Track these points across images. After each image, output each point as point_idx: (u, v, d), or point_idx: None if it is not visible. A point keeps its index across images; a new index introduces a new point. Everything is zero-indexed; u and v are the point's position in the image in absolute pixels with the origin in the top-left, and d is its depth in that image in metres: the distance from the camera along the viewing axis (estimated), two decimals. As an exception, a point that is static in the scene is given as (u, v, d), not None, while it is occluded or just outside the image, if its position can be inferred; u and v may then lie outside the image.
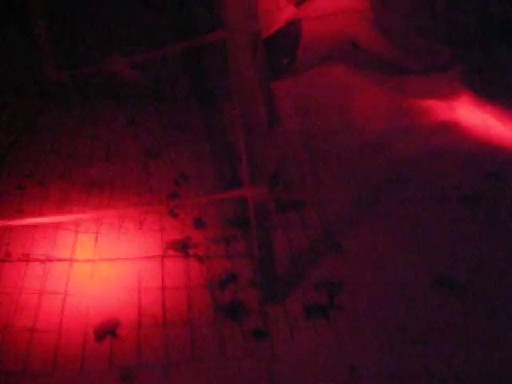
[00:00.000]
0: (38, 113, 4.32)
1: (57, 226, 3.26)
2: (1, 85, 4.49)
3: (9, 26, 4.81)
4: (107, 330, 2.67)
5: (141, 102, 4.66)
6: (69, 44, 4.88)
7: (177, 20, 5.53)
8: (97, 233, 3.26)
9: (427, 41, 5.45)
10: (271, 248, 2.69)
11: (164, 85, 4.89)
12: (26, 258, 3.07)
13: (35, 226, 3.16)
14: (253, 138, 2.17)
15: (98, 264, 3.07)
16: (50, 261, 3.06)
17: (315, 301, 2.88)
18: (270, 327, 2.75)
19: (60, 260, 3.08)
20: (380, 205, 3.54)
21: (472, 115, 4.37)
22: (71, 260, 3.08)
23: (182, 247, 3.16)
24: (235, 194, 2.35)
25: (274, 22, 4.24)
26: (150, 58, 4.60)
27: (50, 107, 4.39)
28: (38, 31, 4.00)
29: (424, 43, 5.43)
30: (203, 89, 4.85)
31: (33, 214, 3.30)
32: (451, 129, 4.27)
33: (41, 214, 3.33)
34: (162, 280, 2.97)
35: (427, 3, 5.51)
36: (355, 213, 3.50)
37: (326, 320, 2.79)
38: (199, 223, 3.34)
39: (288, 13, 4.36)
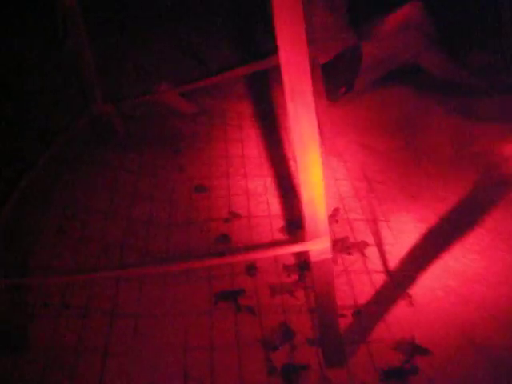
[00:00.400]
0: (82, 147, 4.13)
1: (93, 277, 3.01)
2: (45, 118, 4.35)
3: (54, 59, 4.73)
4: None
5: (190, 131, 4.42)
6: (114, 74, 4.73)
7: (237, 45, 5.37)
8: (141, 283, 2.98)
9: (493, 57, 5.09)
10: (333, 304, 2.33)
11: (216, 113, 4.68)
12: (64, 310, 2.84)
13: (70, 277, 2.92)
14: (312, 186, 1.86)
15: (141, 319, 2.78)
16: (89, 313, 2.82)
17: (385, 362, 2.52)
18: (333, 396, 2.40)
19: (100, 313, 2.82)
20: (449, 249, 3.16)
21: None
22: (112, 313, 2.81)
23: (233, 298, 2.85)
24: (294, 249, 2.03)
25: (332, 47, 3.91)
26: (203, 86, 4.39)
27: (95, 141, 4.19)
28: (83, 63, 3.79)
29: (489, 59, 5.08)
30: (263, 116, 4.59)
31: (72, 261, 3.07)
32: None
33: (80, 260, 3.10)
34: (210, 337, 2.66)
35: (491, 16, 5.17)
36: (422, 257, 3.12)
37: (398, 386, 2.42)
38: (252, 270, 3.03)
39: (346, 38, 4.02)
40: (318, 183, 1.82)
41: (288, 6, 1.60)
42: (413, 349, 2.57)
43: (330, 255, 2.04)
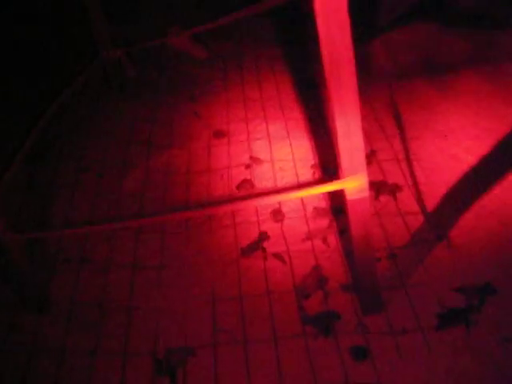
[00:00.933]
0: (94, 97, 3.95)
1: (114, 227, 2.87)
2: (54, 68, 4.16)
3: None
4: (176, 362, 2.27)
5: (205, 76, 4.20)
6: (123, 19, 4.50)
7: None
8: (162, 234, 2.84)
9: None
10: (371, 247, 2.15)
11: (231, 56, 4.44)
12: (84, 265, 2.71)
13: (89, 227, 2.78)
14: (348, 116, 1.65)
15: (165, 271, 2.65)
16: (110, 267, 2.69)
17: (425, 308, 2.36)
18: (371, 344, 2.26)
19: (121, 266, 2.70)
20: (486, 187, 2.96)
21: None
22: (134, 267, 2.68)
23: (259, 246, 2.70)
24: (328, 188, 1.84)
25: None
26: (216, 28, 4.13)
27: (107, 90, 4.00)
28: (90, 7, 3.56)
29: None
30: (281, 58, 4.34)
31: (90, 214, 2.93)
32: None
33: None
34: (239, 287, 2.53)
35: None
36: (458, 196, 2.92)
37: (444, 334, 2.27)
38: (278, 214, 2.86)
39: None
40: (354, 112, 1.62)
41: None
42: (455, 296, 2.40)
43: (367, 193, 1.86)
